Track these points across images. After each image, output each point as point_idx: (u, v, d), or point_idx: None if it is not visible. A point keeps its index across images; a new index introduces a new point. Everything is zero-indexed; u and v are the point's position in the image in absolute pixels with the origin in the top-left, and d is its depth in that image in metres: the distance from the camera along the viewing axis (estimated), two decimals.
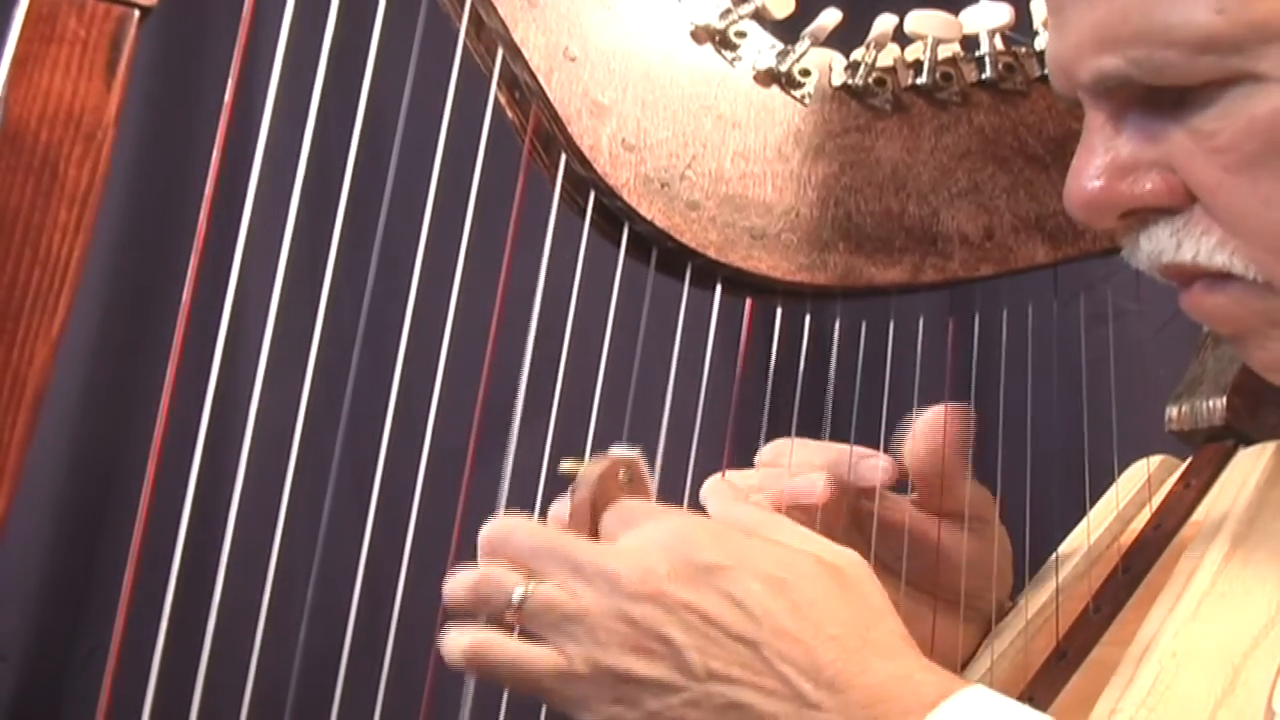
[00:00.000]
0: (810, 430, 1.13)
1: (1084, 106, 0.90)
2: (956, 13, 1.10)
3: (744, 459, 1.11)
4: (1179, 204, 0.88)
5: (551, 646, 0.89)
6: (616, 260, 1.04)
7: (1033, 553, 1.20)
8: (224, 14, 0.93)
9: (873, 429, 1.13)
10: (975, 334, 1.14)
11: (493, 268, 0.98)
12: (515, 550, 0.91)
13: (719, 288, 1.07)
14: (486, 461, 0.98)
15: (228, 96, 0.93)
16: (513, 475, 0.99)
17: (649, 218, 1.03)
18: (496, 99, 1.02)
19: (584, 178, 1.03)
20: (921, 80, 1.09)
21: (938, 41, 1.09)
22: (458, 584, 0.92)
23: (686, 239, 1.04)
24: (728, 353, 1.08)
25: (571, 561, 0.89)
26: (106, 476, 2.04)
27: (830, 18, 1.07)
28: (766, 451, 1.13)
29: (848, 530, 1.13)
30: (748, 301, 1.09)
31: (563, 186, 1.03)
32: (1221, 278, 0.88)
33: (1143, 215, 0.90)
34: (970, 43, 1.10)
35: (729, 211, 1.05)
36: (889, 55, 1.08)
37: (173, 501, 0.90)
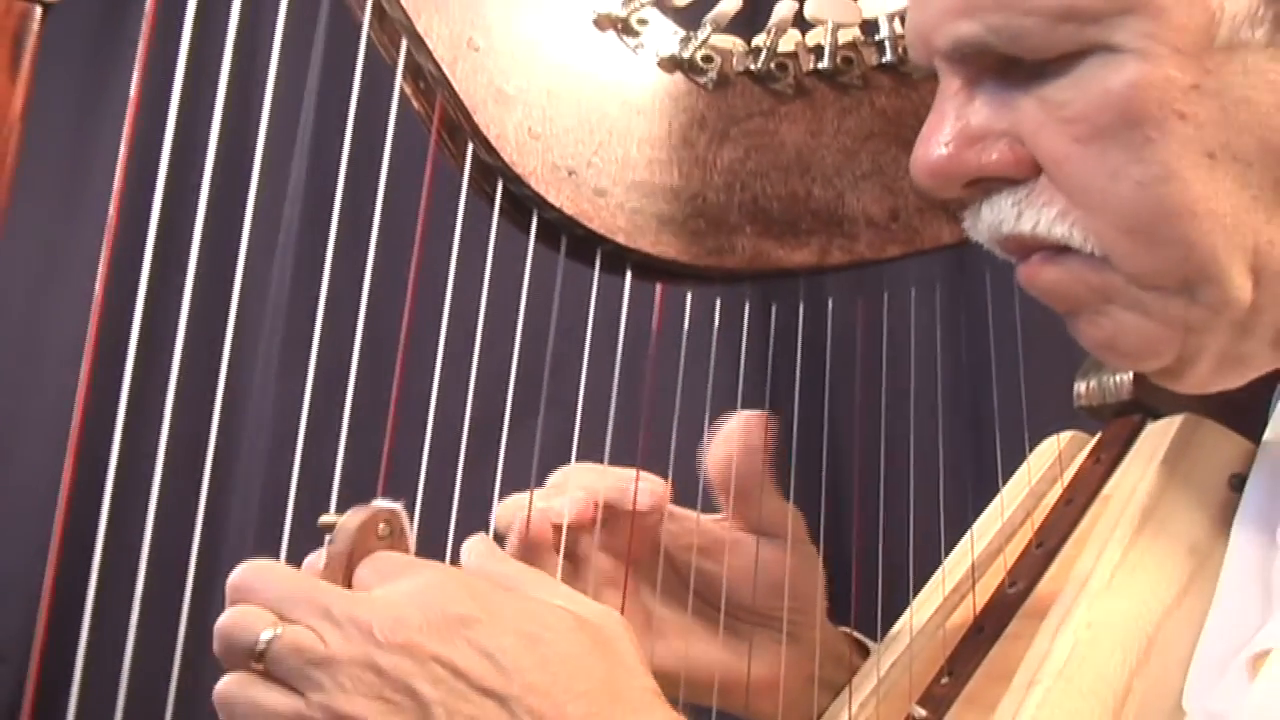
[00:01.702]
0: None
1: (940, 75, 0.92)
2: None
3: (660, 447, 1.12)
4: (1024, 175, 0.89)
5: (293, 693, 0.86)
6: (527, 248, 1.05)
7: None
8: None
9: (786, 415, 1.15)
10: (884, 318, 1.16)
11: (404, 257, 0.98)
12: (266, 594, 0.89)
13: (629, 274, 1.07)
14: (406, 444, 0.98)
15: (133, 92, 0.93)
16: (429, 461, 0.98)
17: (557, 205, 1.03)
18: (402, 89, 1.03)
19: (491, 166, 1.03)
20: (823, 64, 1.10)
21: (838, 26, 1.10)
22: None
23: (595, 225, 1.05)
24: (640, 339, 1.08)
25: (322, 607, 0.87)
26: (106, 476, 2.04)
27: (730, 4, 1.08)
28: (555, 475, 1.13)
29: (651, 558, 1.14)
30: (658, 287, 1.09)
31: (471, 176, 1.03)
32: (1059, 251, 0.89)
33: (987, 185, 0.91)
34: (870, 27, 1.11)
35: (637, 198, 1.05)
36: (790, 40, 1.09)
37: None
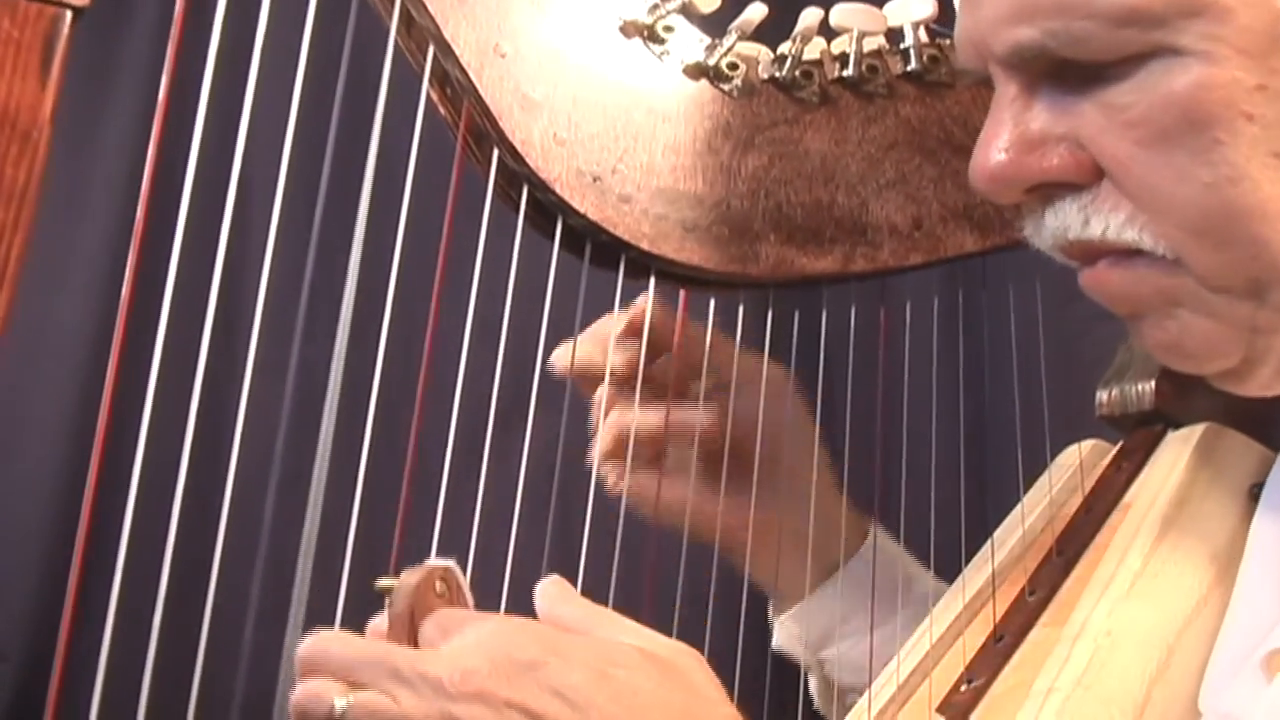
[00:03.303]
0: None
1: (995, 81, 0.91)
2: (881, 6, 1.11)
3: None
4: (1086, 180, 0.89)
5: None
6: (551, 254, 1.05)
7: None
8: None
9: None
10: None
11: (428, 264, 0.99)
12: (334, 663, 0.88)
13: (652, 280, 1.08)
14: (427, 453, 0.98)
15: (161, 95, 0.94)
16: (449, 469, 0.99)
17: (582, 211, 1.04)
18: (428, 95, 1.03)
19: (517, 172, 1.04)
20: (848, 73, 1.10)
21: (863, 34, 1.10)
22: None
23: (620, 231, 1.05)
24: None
25: (391, 668, 0.86)
26: (106, 476, 2.05)
27: (756, 11, 1.09)
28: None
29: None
30: (681, 294, 1.10)
31: (496, 181, 1.04)
32: (1128, 254, 0.89)
33: (1047, 191, 0.91)
34: (895, 35, 1.12)
35: (661, 204, 1.06)
36: (815, 48, 1.10)
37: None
